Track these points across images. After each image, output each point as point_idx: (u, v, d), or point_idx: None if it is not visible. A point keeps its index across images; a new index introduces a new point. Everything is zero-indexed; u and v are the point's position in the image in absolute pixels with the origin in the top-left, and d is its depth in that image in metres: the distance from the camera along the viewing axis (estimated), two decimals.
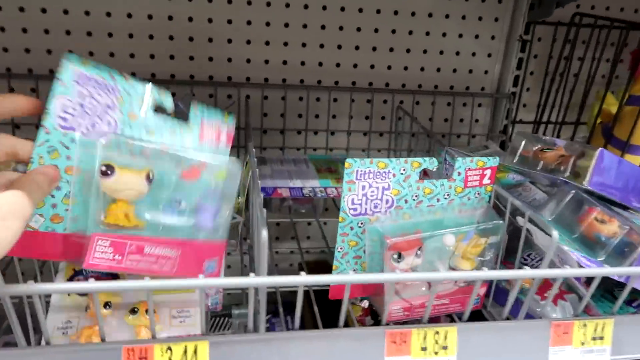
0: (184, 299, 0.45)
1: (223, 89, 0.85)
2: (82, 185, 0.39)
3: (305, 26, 0.85)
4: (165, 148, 0.40)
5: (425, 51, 0.91)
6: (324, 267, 0.48)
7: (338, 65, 0.89)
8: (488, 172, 0.52)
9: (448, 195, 0.52)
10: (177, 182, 0.40)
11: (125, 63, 0.82)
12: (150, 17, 0.80)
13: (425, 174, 0.52)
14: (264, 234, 0.38)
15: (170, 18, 0.81)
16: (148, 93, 0.40)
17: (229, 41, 0.84)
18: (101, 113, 0.39)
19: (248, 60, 0.86)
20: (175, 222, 0.40)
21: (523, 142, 0.61)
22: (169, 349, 0.38)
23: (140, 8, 0.80)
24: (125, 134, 0.40)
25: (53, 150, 0.39)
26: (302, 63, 0.87)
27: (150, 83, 0.40)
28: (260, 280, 0.37)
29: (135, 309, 0.43)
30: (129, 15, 0.80)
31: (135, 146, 0.39)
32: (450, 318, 0.55)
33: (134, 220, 0.39)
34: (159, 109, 0.41)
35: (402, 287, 0.52)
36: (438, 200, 0.52)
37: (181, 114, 0.41)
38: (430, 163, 0.49)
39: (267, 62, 0.86)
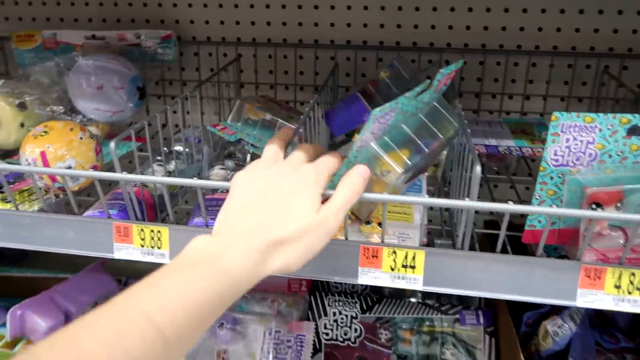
0: (405, 225, 0.55)
1: (426, 53, 0.94)
2: None
3: None
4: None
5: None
6: (509, 225, 0.54)
7: (540, 29, 0.90)
8: None
9: None
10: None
11: (345, 31, 0.96)
12: None
13: (633, 131, 0.54)
14: (478, 168, 0.46)
15: None
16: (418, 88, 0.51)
17: (434, 9, 0.91)
18: (382, 127, 0.51)
19: (450, 27, 0.92)
20: None
21: None
22: (394, 252, 0.49)
23: None
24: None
25: (352, 162, 0.51)
26: (503, 28, 0.91)
27: None
28: (471, 204, 0.46)
29: (369, 221, 0.55)
30: None
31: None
32: None
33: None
34: None
35: (597, 237, 0.55)
36: None
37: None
38: None
39: (468, 28, 0.92)
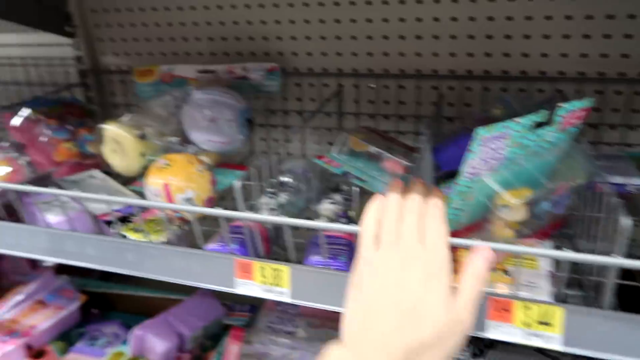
0: (531, 272, 0.53)
1: (536, 83, 0.90)
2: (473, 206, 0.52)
3: (610, 16, 0.83)
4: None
5: None
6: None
7: None
8: None
9: None
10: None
11: (448, 60, 0.94)
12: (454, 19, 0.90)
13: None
14: (627, 222, 0.43)
15: (471, 19, 0.89)
16: (533, 117, 0.49)
17: (545, 37, 0.88)
18: (495, 155, 0.50)
19: (564, 55, 0.88)
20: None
21: None
22: (527, 307, 0.47)
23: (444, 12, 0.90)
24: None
25: (463, 192, 0.51)
26: (625, 55, 0.85)
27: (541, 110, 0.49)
28: (622, 261, 0.43)
29: (494, 267, 0.53)
30: (436, 19, 0.92)
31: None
32: None
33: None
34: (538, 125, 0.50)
35: None
36: None
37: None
38: None
39: (584, 55, 0.87)
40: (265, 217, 0.55)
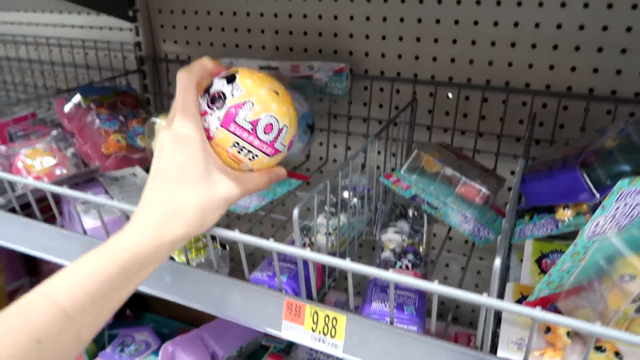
0: None
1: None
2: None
3: None
4: None
5: None
6: None
7: None
8: None
9: None
10: None
11: (545, 74, 0.81)
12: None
13: None
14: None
15: (581, 28, 0.75)
16: None
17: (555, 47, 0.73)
18: (629, 212, 0.39)
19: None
20: None
21: None
22: None
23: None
24: None
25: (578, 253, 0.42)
26: None
27: None
28: None
29: (603, 348, 0.41)
30: (537, 25, 0.79)
31: None
32: None
33: None
34: None
35: None
36: None
37: None
38: None
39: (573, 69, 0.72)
40: (327, 259, 0.46)
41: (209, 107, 0.47)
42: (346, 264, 0.44)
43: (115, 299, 0.45)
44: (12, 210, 0.69)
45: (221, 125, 0.47)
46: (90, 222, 0.65)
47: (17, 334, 0.38)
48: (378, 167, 0.84)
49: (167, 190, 0.46)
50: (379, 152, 0.94)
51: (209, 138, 0.48)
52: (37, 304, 0.41)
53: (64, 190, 0.60)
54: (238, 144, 0.47)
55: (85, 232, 0.63)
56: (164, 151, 0.46)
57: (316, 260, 0.46)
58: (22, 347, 0.38)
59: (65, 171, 0.77)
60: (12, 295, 1.11)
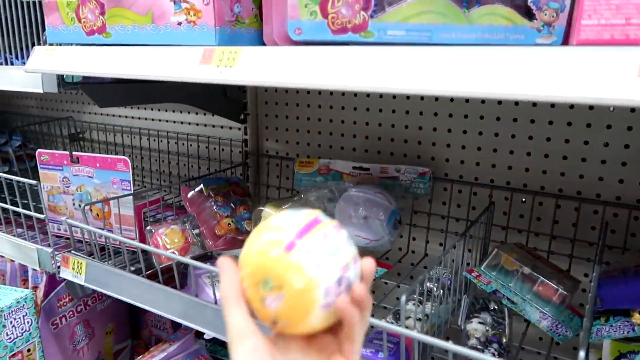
0: None
1: None
2: None
3: None
4: None
5: None
6: None
7: None
8: None
9: None
10: None
11: (615, 186, 0.90)
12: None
13: None
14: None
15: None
16: None
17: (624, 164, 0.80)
18: None
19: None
20: None
21: None
22: None
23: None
24: None
25: None
26: None
27: None
28: None
29: None
30: (606, 144, 0.89)
31: None
32: None
33: None
34: None
35: None
36: None
37: None
38: None
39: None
40: (436, 341, 0.55)
41: None
42: (455, 347, 0.53)
43: None
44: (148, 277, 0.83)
45: None
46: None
47: None
48: (453, 260, 0.93)
49: None
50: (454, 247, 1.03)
51: None
52: None
53: (202, 265, 0.73)
54: None
55: (216, 302, 0.76)
56: None
57: (424, 341, 0.55)
58: None
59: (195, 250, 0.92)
60: (117, 355, 1.24)
